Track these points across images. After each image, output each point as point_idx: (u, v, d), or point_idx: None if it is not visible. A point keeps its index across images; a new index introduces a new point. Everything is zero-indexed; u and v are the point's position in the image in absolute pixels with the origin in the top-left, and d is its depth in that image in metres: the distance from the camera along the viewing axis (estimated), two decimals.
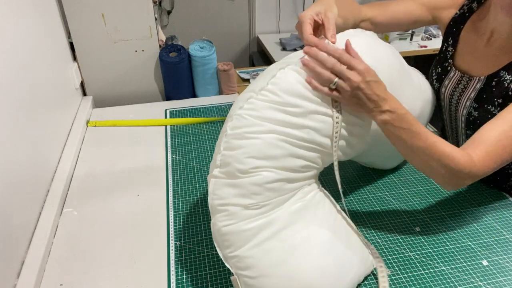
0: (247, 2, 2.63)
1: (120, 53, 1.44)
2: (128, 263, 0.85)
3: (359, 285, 0.78)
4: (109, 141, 1.26)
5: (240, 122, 0.71)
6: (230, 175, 0.70)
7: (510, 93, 0.85)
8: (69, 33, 1.37)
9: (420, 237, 0.88)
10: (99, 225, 0.94)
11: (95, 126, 1.34)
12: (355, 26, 1.03)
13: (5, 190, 0.80)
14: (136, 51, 1.46)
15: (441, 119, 1.10)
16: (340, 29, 0.87)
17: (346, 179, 1.06)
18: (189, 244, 0.88)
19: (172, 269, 0.82)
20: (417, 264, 0.82)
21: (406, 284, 0.78)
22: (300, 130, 0.71)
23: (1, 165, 0.80)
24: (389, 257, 0.84)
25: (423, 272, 0.80)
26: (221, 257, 0.72)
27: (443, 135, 1.17)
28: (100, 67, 1.46)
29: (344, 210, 0.82)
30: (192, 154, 1.18)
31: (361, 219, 0.93)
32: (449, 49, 1.02)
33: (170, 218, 0.95)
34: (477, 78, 0.93)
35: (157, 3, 2.07)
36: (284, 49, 2.40)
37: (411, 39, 2.60)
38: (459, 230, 0.90)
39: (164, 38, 1.59)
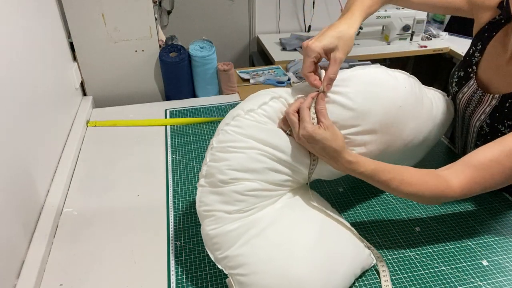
0: (247, 2, 2.63)
1: (120, 53, 1.44)
2: (128, 263, 0.85)
3: (357, 279, 0.78)
4: (109, 141, 1.26)
5: (225, 137, 0.75)
6: (213, 185, 0.74)
7: None
8: (69, 33, 1.37)
9: (420, 237, 0.88)
10: (99, 225, 0.94)
11: (95, 126, 1.34)
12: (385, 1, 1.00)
13: (5, 190, 0.80)
14: (136, 51, 1.46)
15: (453, 125, 1.09)
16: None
17: (346, 179, 1.06)
18: (189, 244, 0.88)
19: (172, 269, 0.82)
20: (417, 264, 0.82)
21: (406, 284, 0.78)
22: (281, 152, 0.75)
23: (1, 165, 0.80)
24: (389, 257, 0.84)
25: (423, 272, 0.80)
26: (213, 260, 0.74)
27: (452, 142, 1.16)
28: (100, 67, 1.46)
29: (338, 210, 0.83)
30: (192, 154, 1.18)
31: (361, 219, 0.93)
32: (476, 54, 0.98)
33: (170, 218, 0.95)
34: (491, 95, 0.91)
35: (157, 3, 2.07)
36: (284, 49, 2.40)
37: (411, 39, 2.59)
38: (459, 230, 0.90)
39: (164, 38, 1.59)
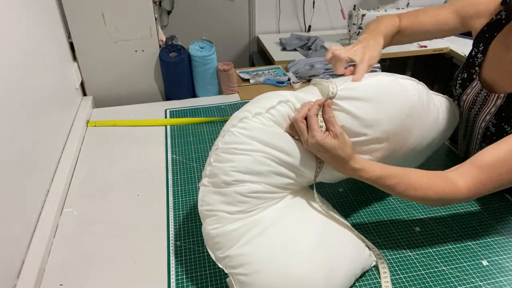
0: (247, 2, 2.62)
1: (120, 53, 1.44)
2: (128, 263, 0.84)
3: (357, 279, 0.78)
4: (109, 141, 1.26)
5: (231, 139, 0.75)
6: (216, 185, 0.74)
7: None
8: (69, 33, 1.37)
9: (420, 237, 0.88)
10: (99, 225, 0.94)
11: (95, 126, 1.34)
12: (391, 41, 1.07)
13: (5, 190, 0.80)
14: (136, 51, 1.46)
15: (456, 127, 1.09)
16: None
17: (346, 179, 1.06)
18: (189, 244, 0.88)
19: (172, 269, 0.82)
20: (417, 264, 0.82)
21: (406, 284, 0.78)
22: (287, 155, 0.75)
23: (1, 165, 0.80)
24: (389, 257, 0.84)
25: (423, 272, 0.80)
26: (214, 259, 0.74)
27: (453, 143, 1.16)
28: (100, 67, 1.46)
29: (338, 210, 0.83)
30: (192, 154, 1.18)
31: (361, 219, 0.93)
32: (478, 55, 0.98)
33: (170, 218, 0.95)
34: (496, 95, 0.91)
35: (157, 3, 2.07)
36: (284, 49, 2.40)
37: None
38: (459, 230, 0.90)
39: (164, 38, 1.59)
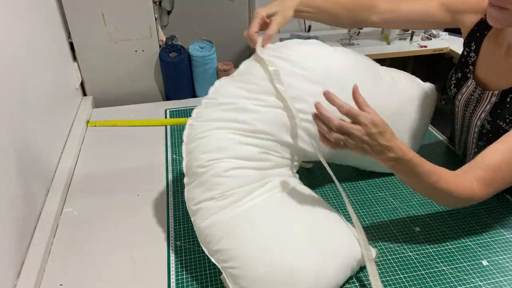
0: (247, 2, 2.63)
1: (120, 53, 1.44)
2: (128, 263, 0.84)
3: (357, 279, 0.78)
4: (109, 141, 1.26)
5: (191, 129, 0.82)
6: (193, 176, 0.78)
7: None
8: (69, 33, 1.37)
9: (420, 237, 0.88)
10: (99, 225, 0.94)
11: (95, 126, 1.34)
12: (359, 21, 1.06)
13: (5, 190, 0.80)
14: (136, 51, 1.46)
15: (452, 127, 1.09)
16: (332, 23, 1.05)
17: (346, 179, 1.06)
18: (189, 244, 0.88)
19: (172, 269, 0.82)
20: (417, 264, 0.82)
21: (406, 284, 0.78)
22: (243, 124, 0.80)
23: (1, 165, 0.80)
24: (389, 257, 0.84)
25: (423, 272, 0.80)
26: (207, 254, 0.76)
27: (451, 143, 1.16)
28: (100, 67, 1.46)
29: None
30: None
31: (361, 219, 0.93)
32: (471, 54, 0.97)
33: (170, 218, 0.95)
34: (490, 92, 0.91)
35: (157, 3, 2.07)
36: None
37: (411, 39, 2.59)
38: (459, 230, 0.90)
39: (164, 38, 1.59)
